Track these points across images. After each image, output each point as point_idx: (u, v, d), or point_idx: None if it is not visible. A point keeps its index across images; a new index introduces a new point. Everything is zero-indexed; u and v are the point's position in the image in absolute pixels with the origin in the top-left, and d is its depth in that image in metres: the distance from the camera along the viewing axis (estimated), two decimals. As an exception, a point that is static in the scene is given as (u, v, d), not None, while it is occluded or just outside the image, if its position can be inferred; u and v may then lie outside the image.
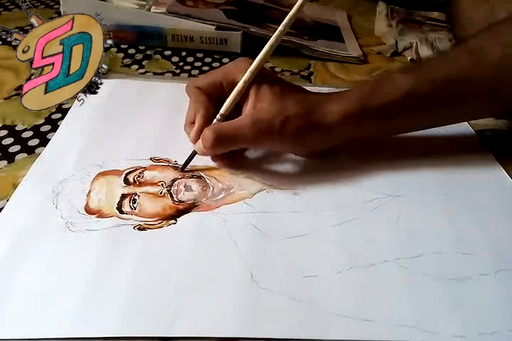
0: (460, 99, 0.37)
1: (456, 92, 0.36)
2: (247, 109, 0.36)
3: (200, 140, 0.36)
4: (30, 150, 0.41)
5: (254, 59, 0.36)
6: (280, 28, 0.36)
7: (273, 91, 0.35)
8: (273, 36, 0.36)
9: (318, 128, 0.35)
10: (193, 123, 0.37)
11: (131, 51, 0.58)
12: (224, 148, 0.36)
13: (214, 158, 0.39)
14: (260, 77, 0.36)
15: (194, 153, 0.37)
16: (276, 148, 0.39)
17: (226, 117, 0.36)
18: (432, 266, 0.31)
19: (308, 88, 0.38)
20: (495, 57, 0.35)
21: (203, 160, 0.38)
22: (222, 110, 0.36)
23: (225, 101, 0.36)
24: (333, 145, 0.38)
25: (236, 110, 0.36)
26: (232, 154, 0.38)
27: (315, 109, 0.35)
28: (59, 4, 0.58)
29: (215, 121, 0.36)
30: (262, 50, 0.36)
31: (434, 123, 0.39)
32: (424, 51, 0.58)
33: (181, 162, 0.38)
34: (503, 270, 0.31)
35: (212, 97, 0.37)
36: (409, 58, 0.58)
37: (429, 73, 0.36)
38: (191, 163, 0.38)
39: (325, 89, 0.38)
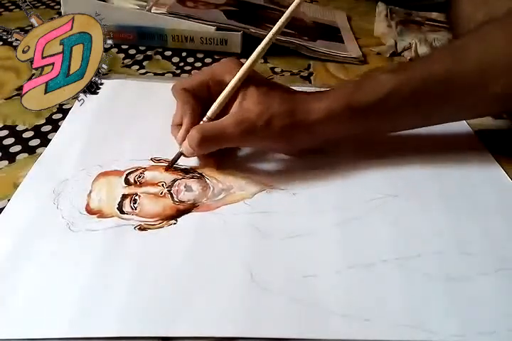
0: (444, 97, 0.36)
1: (438, 90, 0.36)
2: (233, 108, 0.36)
3: (186, 140, 0.36)
4: (31, 151, 0.41)
5: (241, 59, 0.36)
6: (268, 36, 0.36)
7: (259, 92, 0.35)
8: (262, 42, 0.36)
9: (302, 126, 0.35)
10: (180, 125, 0.37)
11: (132, 51, 0.58)
12: (210, 147, 0.36)
13: (200, 158, 0.39)
14: (248, 79, 0.36)
15: (180, 154, 0.37)
16: (262, 147, 0.39)
17: (212, 120, 0.36)
18: (432, 265, 0.31)
19: (307, 89, 0.38)
20: (475, 54, 0.36)
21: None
22: (209, 113, 0.36)
23: (212, 101, 0.36)
24: (318, 142, 0.38)
25: (223, 110, 0.36)
26: (221, 154, 0.38)
27: (298, 107, 0.35)
28: (59, 4, 0.58)
29: (201, 122, 0.36)
30: (250, 55, 0.36)
31: (423, 121, 0.39)
32: (424, 51, 0.58)
33: (182, 162, 0.39)
34: (503, 269, 0.31)
35: (199, 98, 0.37)
36: (408, 58, 0.59)
37: (411, 72, 0.36)
38: (192, 164, 0.38)
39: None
